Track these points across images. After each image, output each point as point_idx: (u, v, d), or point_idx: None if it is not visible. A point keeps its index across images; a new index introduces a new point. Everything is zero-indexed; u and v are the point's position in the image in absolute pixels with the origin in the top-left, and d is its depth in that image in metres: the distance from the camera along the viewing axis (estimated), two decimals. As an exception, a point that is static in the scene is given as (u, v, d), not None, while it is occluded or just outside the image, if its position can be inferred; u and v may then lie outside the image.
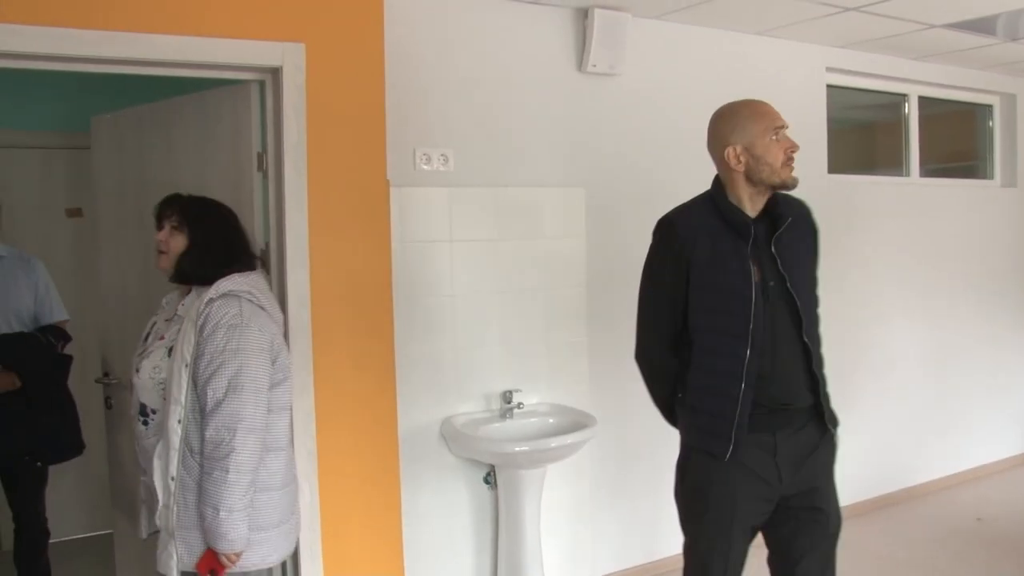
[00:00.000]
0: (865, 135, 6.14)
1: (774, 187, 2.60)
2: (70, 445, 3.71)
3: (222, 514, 2.36)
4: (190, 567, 2.46)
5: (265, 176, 3.23)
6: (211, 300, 2.48)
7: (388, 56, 3.35)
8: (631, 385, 4.00)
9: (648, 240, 2.80)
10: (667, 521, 4.38)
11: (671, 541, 4.48)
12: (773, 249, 2.59)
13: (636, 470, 4.32)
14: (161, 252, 2.63)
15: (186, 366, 2.45)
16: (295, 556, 3.19)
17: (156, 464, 2.48)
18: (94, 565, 4.26)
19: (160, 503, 2.48)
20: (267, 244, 3.24)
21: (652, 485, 4.28)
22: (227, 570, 2.45)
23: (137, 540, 2.91)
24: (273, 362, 2.53)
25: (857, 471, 5.25)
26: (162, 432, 2.50)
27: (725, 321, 2.59)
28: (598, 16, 3.95)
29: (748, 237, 2.57)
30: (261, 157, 3.22)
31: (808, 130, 4.90)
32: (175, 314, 2.64)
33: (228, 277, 2.53)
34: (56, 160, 5.03)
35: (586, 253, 4.15)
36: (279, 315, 2.70)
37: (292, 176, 3.12)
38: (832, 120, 5.11)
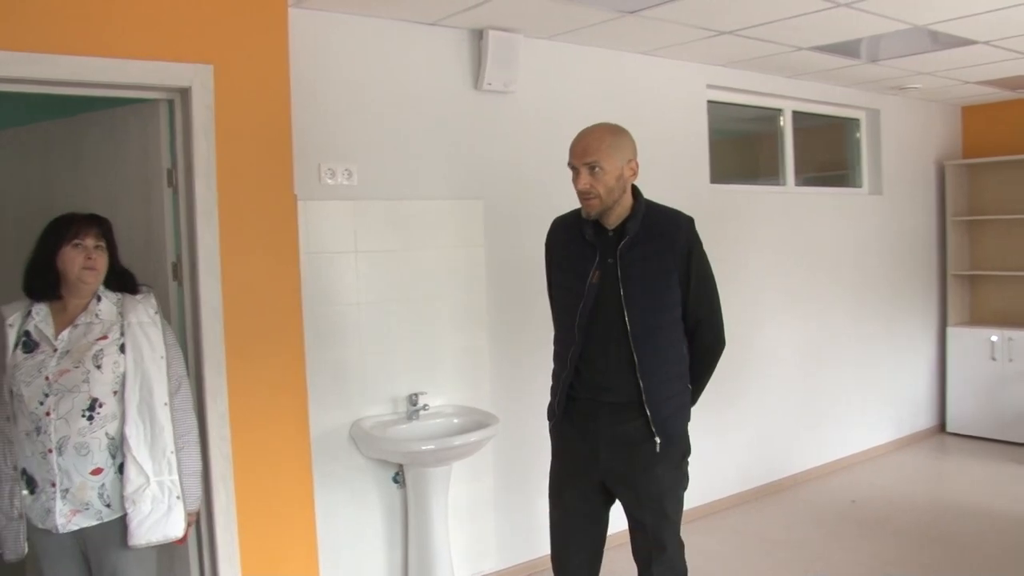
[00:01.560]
0: (746, 146, 6.51)
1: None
2: None
3: (198, 479, 2.93)
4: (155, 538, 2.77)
5: (175, 192, 3.33)
6: (152, 301, 2.92)
7: (293, 76, 3.49)
8: (530, 386, 4.26)
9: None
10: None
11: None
12: (618, 259, 2.90)
13: (536, 466, 4.53)
14: (89, 268, 2.78)
15: (161, 357, 2.82)
16: (212, 554, 3.31)
17: (135, 445, 2.71)
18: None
19: (151, 478, 2.73)
20: (178, 257, 3.34)
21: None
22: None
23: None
24: None
25: (742, 461, 5.61)
26: (131, 419, 2.72)
27: (564, 316, 3.04)
28: (492, 37, 4.17)
29: (596, 246, 2.93)
30: (171, 173, 3.33)
31: (691, 143, 5.24)
32: (95, 318, 2.78)
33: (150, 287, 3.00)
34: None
35: (485, 261, 4.36)
36: None
37: (202, 192, 3.24)
38: (714, 132, 5.43)
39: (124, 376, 2.74)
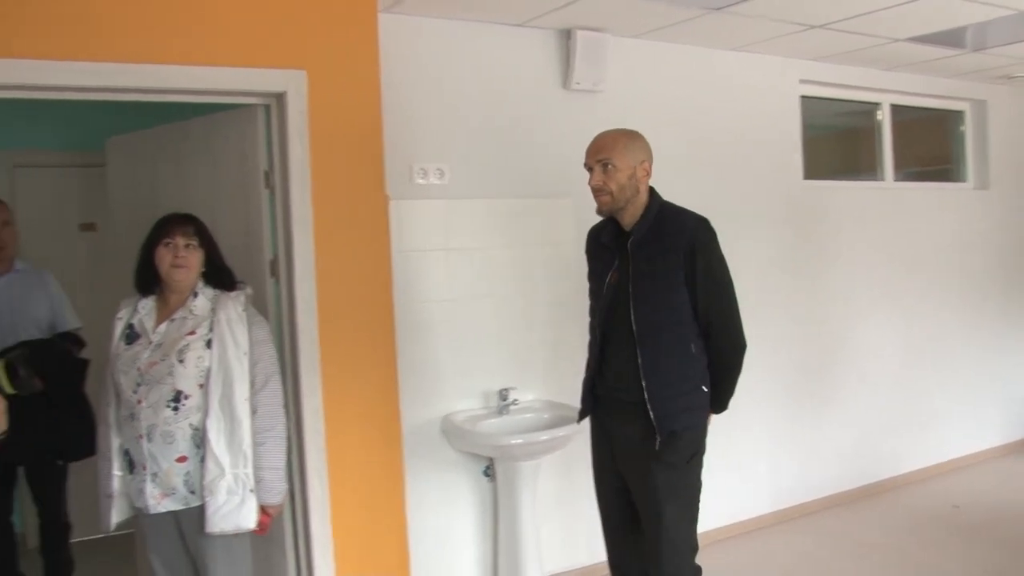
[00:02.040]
0: (842, 141, 6.37)
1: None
2: (88, 444, 3.93)
3: (280, 473, 2.96)
4: (228, 527, 2.85)
5: (272, 193, 3.47)
6: (249, 298, 3.04)
7: (385, 78, 3.58)
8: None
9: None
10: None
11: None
12: (628, 259, 3.00)
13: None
14: (179, 266, 2.94)
15: (244, 354, 2.90)
16: (307, 545, 3.43)
17: (214, 438, 2.82)
18: (117, 562, 4.48)
19: (227, 470, 2.83)
20: (275, 255, 3.48)
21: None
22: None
23: None
24: None
25: (838, 462, 5.50)
26: (213, 412, 2.83)
27: (591, 317, 3.21)
28: (580, 37, 4.21)
29: (614, 249, 3.07)
30: (268, 175, 3.46)
31: (783, 139, 5.17)
32: (190, 313, 2.94)
33: (246, 284, 3.08)
34: (71, 178, 5.29)
35: (574, 258, 4.37)
36: None
37: (297, 192, 3.36)
38: (808, 128, 5.34)
39: (208, 371, 2.85)
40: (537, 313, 4.29)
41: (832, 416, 5.43)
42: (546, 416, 4.11)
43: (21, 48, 2.92)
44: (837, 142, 6.33)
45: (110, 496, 2.95)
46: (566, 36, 4.27)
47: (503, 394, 4.11)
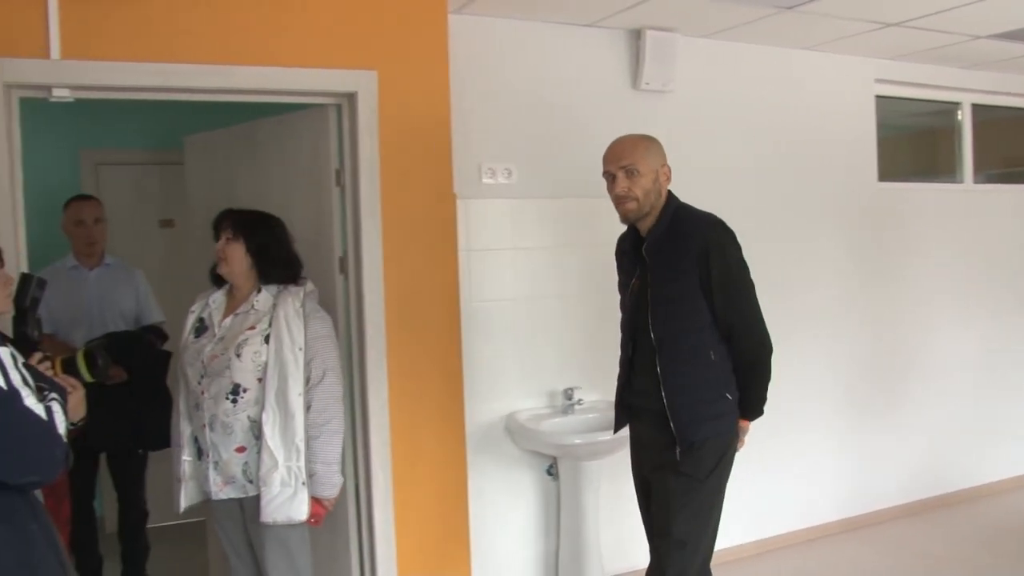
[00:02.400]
0: (919, 142, 6.22)
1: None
2: (167, 434, 4.06)
3: (334, 467, 2.96)
4: (282, 518, 2.92)
5: (343, 191, 3.53)
6: (309, 295, 3.06)
7: (454, 78, 3.63)
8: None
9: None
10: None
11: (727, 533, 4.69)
12: (646, 264, 2.93)
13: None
14: (221, 259, 3.05)
15: (299, 349, 2.94)
16: (371, 536, 3.49)
17: (269, 432, 2.88)
18: (190, 547, 4.61)
19: (280, 463, 2.88)
20: (345, 252, 3.54)
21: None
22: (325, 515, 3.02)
23: None
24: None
25: (907, 471, 5.38)
26: (268, 405, 2.89)
27: (622, 318, 3.12)
28: (649, 37, 4.20)
29: (636, 256, 2.99)
30: (339, 173, 3.53)
31: (857, 139, 5.07)
32: (252, 308, 3.02)
33: (304, 279, 3.10)
34: (150, 175, 5.46)
35: (640, 259, 4.37)
36: None
37: (367, 191, 3.43)
38: (883, 128, 5.23)
39: (265, 365, 2.92)
40: (603, 313, 4.26)
41: (903, 423, 5.31)
42: (611, 416, 4.09)
43: (105, 51, 3.05)
44: (913, 143, 6.18)
45: (180, 480, 3.07)
46: (635, 36, 4.27)
47: (568, 393, 4.12)
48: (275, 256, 3.07)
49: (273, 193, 3.67)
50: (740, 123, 4.61)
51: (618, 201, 2.93)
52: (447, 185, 3.61)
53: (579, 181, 4.20)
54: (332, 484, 2.99)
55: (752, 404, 2.98)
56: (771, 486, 4.76)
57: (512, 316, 4.06)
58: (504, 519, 4.06)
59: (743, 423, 3.00)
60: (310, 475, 2.94)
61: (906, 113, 5.68)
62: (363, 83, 3.40)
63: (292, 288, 3.06)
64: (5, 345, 1.50)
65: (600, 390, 4.25)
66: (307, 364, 2.95)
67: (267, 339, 2.94)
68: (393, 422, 3.50)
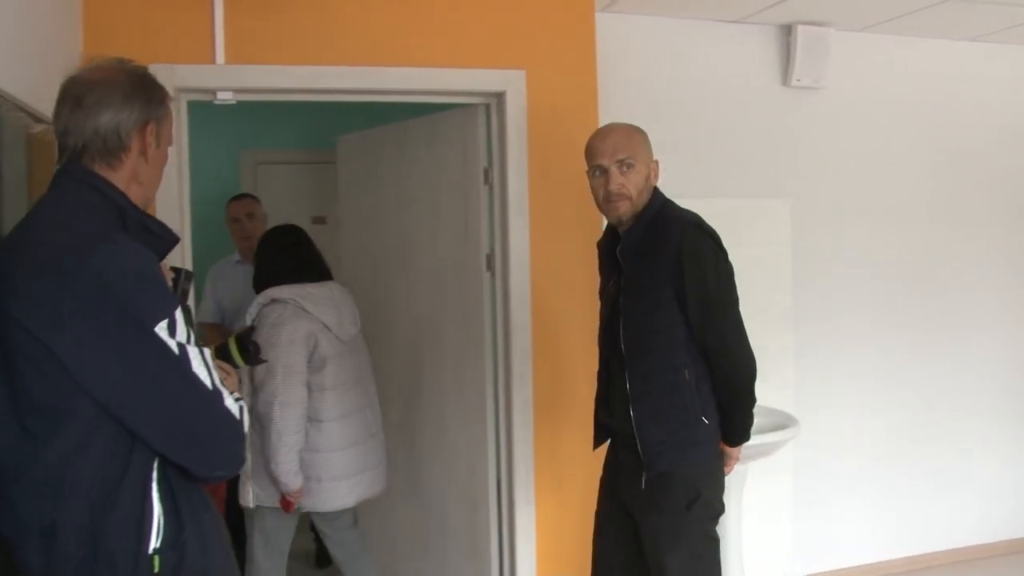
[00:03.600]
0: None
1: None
2: None
3: (272, 465, 3.12)
4: (265, 502, 3.23)
5: (491, 189, 3.58)
6: (261, 305, 3.21)
7: (601, 76, 3.62)
8: (839, 387, 4.14)
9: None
10: (872, 524, 4.41)
11: (873, 546, 4.50)
12: (621, 271, 2.65)
13: (839, 472, 4.38)
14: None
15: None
16: (511, 537, 3.52)
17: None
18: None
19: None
20: (492, 250, 3.59)
21: (851, 488, 4.37)
22: (295, 504, 3.19)
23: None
24: (311, 352, 3.15)
25: (1006, 507, 4.96)
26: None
27: (598, 328, 2.83)
28: (801, 32, 4.08)
29: (614, 258, 2.69)
30: (487, 172, 3.58)
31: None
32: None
33: (277, 287, 3.19)
34: (303, 174, 5.68)
35: (792, 261, 4.27)
36: (328, 317, 3.21)
37: (515, 189, 3.47)
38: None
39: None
40: (751, 316, 4.17)
41: (1002, 454, 4.94)
42: (756, 421, 4.01)
43: (264, 56, 3.21)
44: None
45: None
46: (786, 31, 4.16)
47: (711, 395, 4.04)
48: (261, 274, 3.31)
49: (422, 191, 3.76)
50: (898, 119, 4.42)
51: (609, 199, 2.61)
52: (593, 184, 3.60)
53: (727, 180, 4.16)
54: (279, 480, 3.14)
55: (735, 431, 2.66)
56: (917, 506, 4.56)
57: (656, 316, 4.01)
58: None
59: (728, 449, 2.70)
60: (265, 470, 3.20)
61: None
62: (511, 82, 3.44)
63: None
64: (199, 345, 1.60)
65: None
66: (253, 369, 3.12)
67: None
68: (536, 419, 3.52)
